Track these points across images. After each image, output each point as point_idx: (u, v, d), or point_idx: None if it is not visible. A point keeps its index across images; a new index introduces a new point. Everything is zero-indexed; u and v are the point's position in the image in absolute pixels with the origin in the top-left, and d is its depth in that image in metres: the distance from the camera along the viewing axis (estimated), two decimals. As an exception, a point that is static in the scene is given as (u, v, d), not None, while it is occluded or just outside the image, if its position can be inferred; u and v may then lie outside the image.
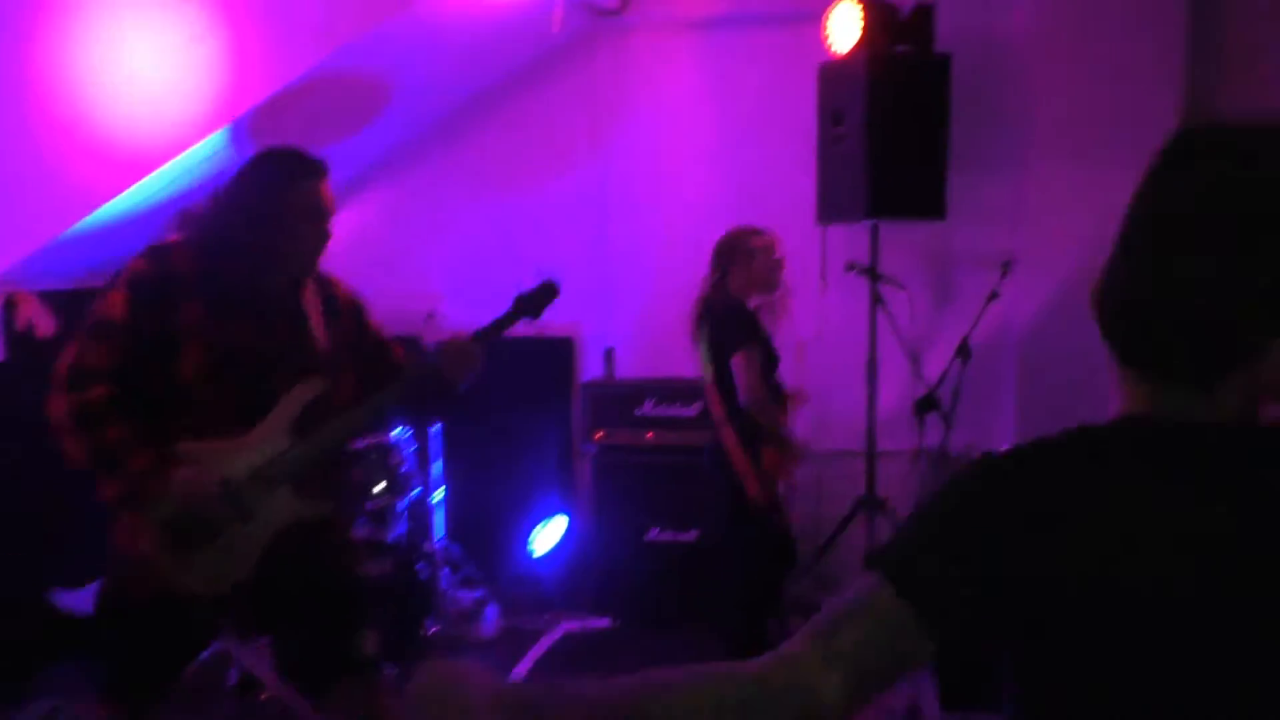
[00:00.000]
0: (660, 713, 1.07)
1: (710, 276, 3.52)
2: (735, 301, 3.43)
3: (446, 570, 4.45)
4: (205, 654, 3.49)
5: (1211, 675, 1.00)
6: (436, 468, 4.47)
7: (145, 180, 3.96)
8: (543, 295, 2.80)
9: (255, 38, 3.79)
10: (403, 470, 4.28)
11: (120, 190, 3.93)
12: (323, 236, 2.56)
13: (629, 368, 4.94)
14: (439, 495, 4.46)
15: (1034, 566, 1.02)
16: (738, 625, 3.41)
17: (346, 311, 2.65)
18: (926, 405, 3.40)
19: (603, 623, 4.57)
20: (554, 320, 5.02)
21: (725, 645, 3.46)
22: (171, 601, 2.33)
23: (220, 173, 4.28)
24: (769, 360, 3.42)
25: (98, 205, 3.89)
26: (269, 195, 2.48)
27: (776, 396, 3.44)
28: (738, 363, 3.32)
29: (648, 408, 4.60)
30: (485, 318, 5.17)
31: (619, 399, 4.64)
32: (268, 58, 3.86)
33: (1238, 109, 4.02)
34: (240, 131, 4.02)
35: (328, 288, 2.63)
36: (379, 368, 2.63)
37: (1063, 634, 1.02)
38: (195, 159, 4.04)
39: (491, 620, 4.47)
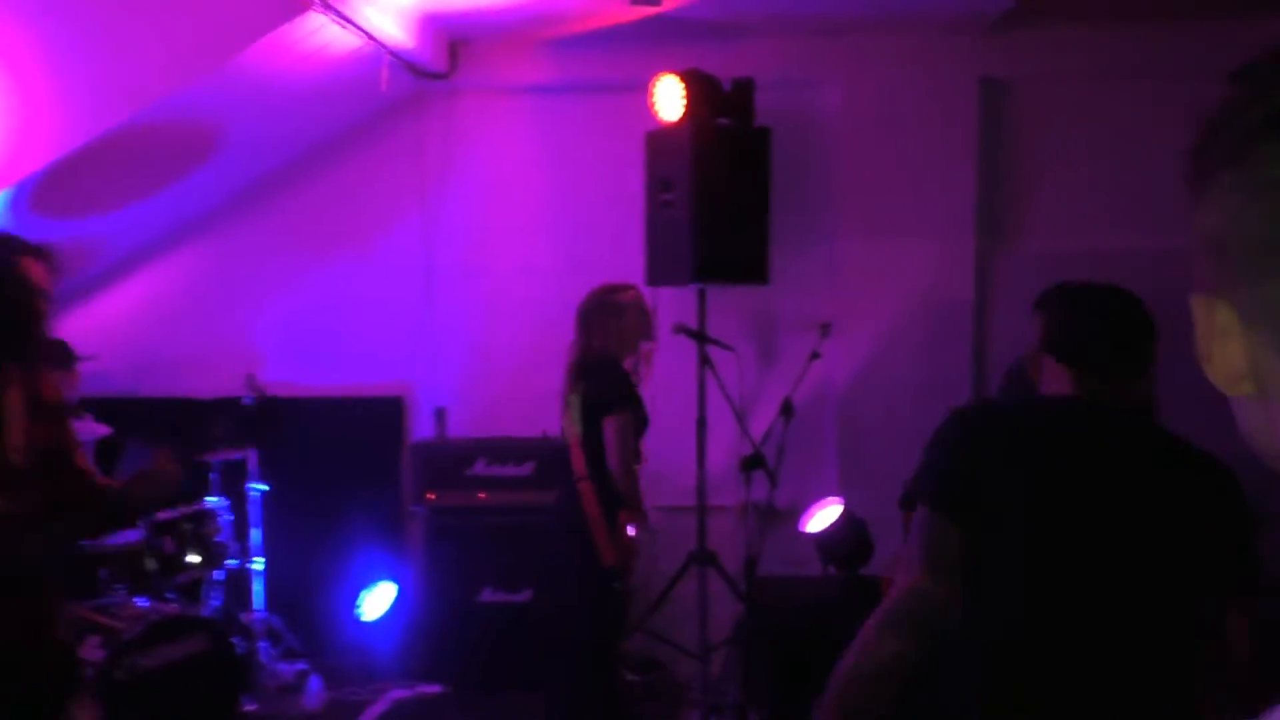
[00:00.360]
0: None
1: (579, 337, 3.47)
2: (612, 361, 3.41)
3: (266, 643, 4.24)
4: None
5: (1093, 564, 1.63)
6: (255, 535, 4.28)
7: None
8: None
9: (45, 95, 3.58)
10: (218, 539, 4.08)
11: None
12: (37, 315, 2.34)
13: (460, 427, 4.89)
14: (259, 564, 4.26)
15: (998, 487, 1.68)
16: (583, 684, 3.38)
17: (47, 413, 2.35)
18: (753, 463, 3.52)
19: (434, 689, 4.45)
20: (382, 379, 4.98)
21: (565, 704, 3.42)
22: None
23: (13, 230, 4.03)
24: (639, 424, 3.42)
25: None
26: None
27: (637, 457, 3.46)
28: (611, 426, 3.30)
29: (479, 468, 4.56)
30: (308, 378, 5.05)
31: (450, 459, 4.58)
32: (61, 116, 3.66)
33: (1024, 189, 4.41)
34: (20, 195, 3.79)
35: (34, 384, 2.34)
36: (66, 478, 2.38)
37: (1010, 531, 1.66)
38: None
39: (315, 693, 4.28)
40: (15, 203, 3.81)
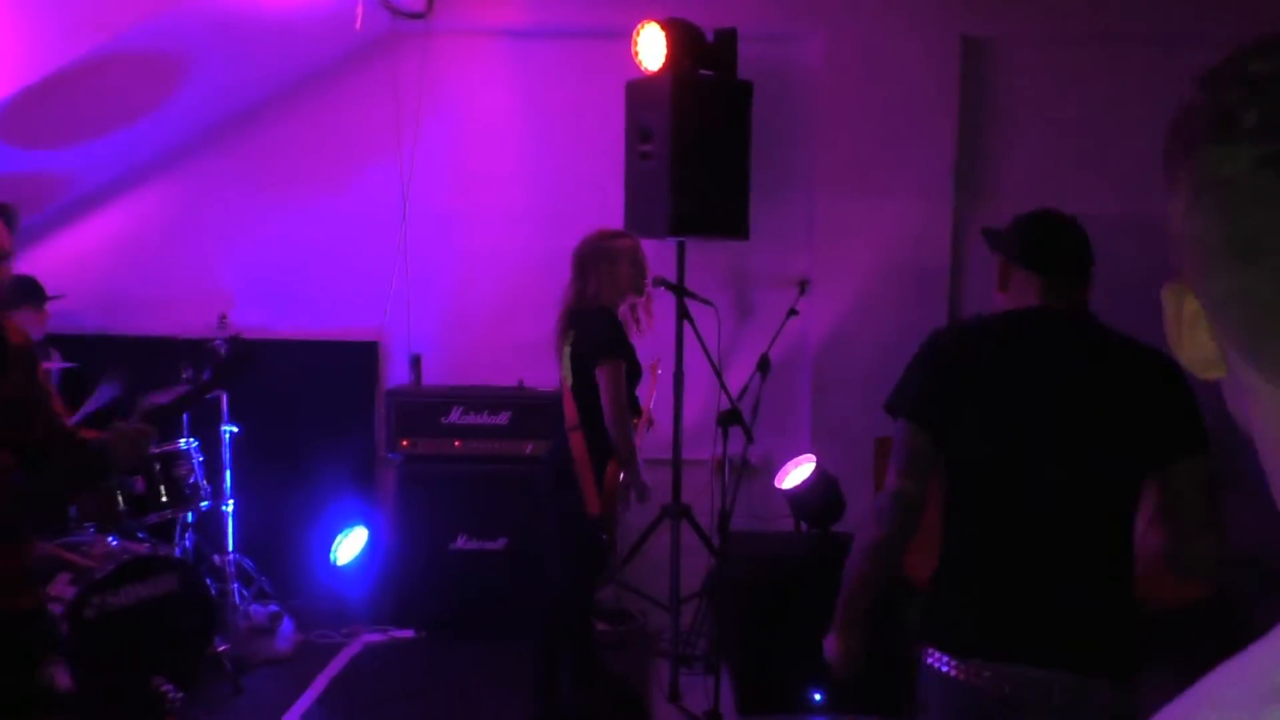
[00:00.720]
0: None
1: (572, 284, 3.40)
2: (605, 310, 3.35)
3: (238, 585, 4.25)
4: None
5: (1058, 435, 1.94)
6: (227, 478, 4.27)
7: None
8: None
9: (12, 22, 3.49)
10: (190, 481, 4.07)
11: None
12: None
13: (437, 375, 4.88)
14: (230, 507, 4.26)
15: (970, 389, 1.99)
16: (558, 632, 3.40)
17: (16, 361, 2.29)
18: (730, 418, 3.53)
19: (406, 633, 4.49)
20: (357, 324, 4.95)
21: (537, 651, 3.44)
22: None
23: None
24: (632, 373, 3.38)
25: None
26: None
27: (634, 410, 3.43)
28: (604, 376, 3.25)
29: (455, 416, 4.56)
30: (281, 321, 5.00)
31: (426, 407, 4.57)
32: (28, 43, 3.57)
33: (1003, 150, 4.40)
34: None
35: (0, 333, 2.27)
36: (38, 430, 2.33)
37: (977, 427, 1.98)
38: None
39: (287, 635, 4.30)
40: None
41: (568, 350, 3.37)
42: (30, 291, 4.00)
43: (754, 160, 4.23)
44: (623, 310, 3.43)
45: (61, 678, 2.38)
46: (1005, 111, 4.84)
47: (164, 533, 4.18)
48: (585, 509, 3.25)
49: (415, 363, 4.80)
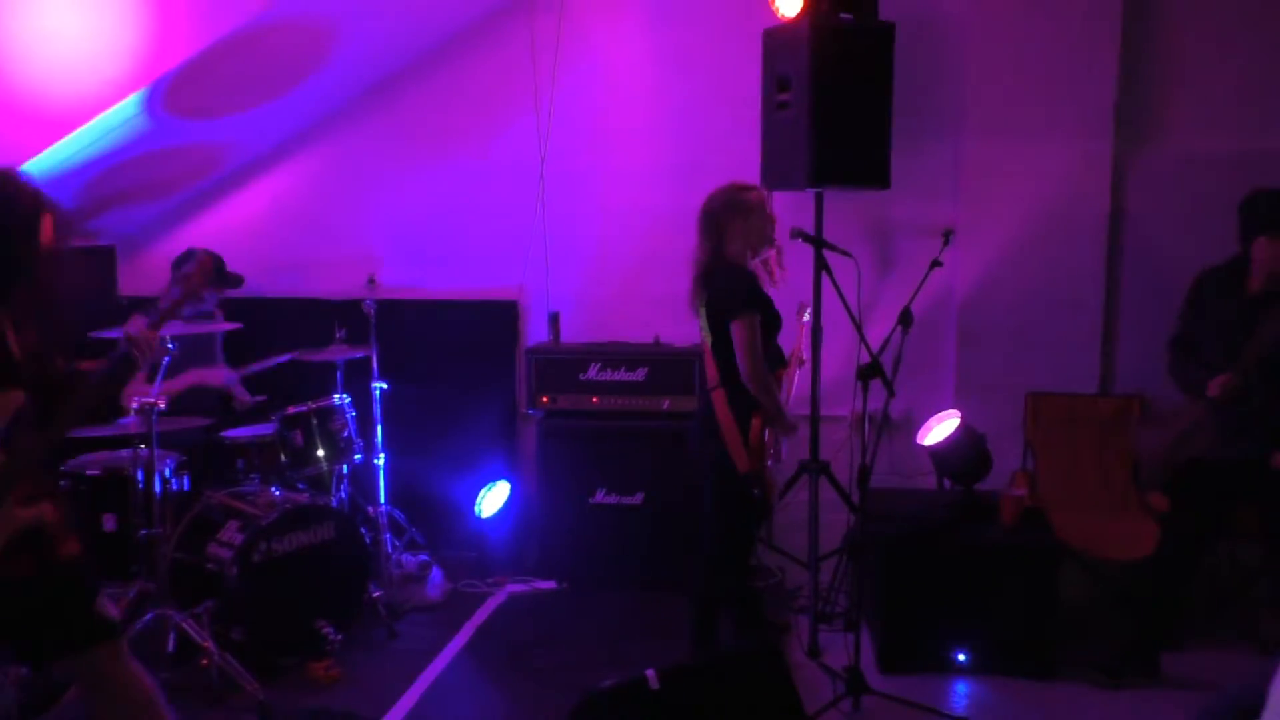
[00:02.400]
0: None
1: (704, 241, 3.36)
2: (735, 265, 3.31)
3: (389, 535, 4.43)
4: (144, 620, 3.47)
5: None
6: (378, 433, 4.44)
7: (61, 143, 3.83)
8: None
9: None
10: (344, 435, 4.25)
11: (34, 154, 3.81)
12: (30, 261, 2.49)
13: (574, 332, 4.94)
14: (381, 460, 4.43)
15: None
16: (715, 587, 3.42)
17: (31, 321, 2.57)
18: (870, 372, 3.43)
19: (548, 585, 4.61)
20: (497, 283, 5.05)
21: (696, 605, 3.47)
22: None
23: (138, 137, 4.18)
24: (770, 324, 3.32)
25: (20, 164, 3.77)
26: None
27: (776, 360, 3.38)
28: (738, 331, 3.22)
29: (593, 373, 4.61)
30: (426, 281, 5.16)
31: (564, 364, 4.64)
32: (194, 14, 3.74)
33: (1168, 87, 4.14)
34: (155, 95, 3.91)
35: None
36: (56, 370, 2.61)
37: None
38: (111, 123, 3.92)
39: (437, 583, 4.47)
40: (150, 102, 3.94)
41: (704, 310, 3.35)
42: (221, 275, 4.28)
43: (895, 105, 4.08)
44: (755, 264, 3.38)
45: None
46: (1171, 45, 4.50)
47: (321, 484, 4.39)
48: (734, 466, 3.24)
49: (554, 320, 4.87)
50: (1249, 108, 4.46)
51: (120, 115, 3.89)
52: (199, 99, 4.16)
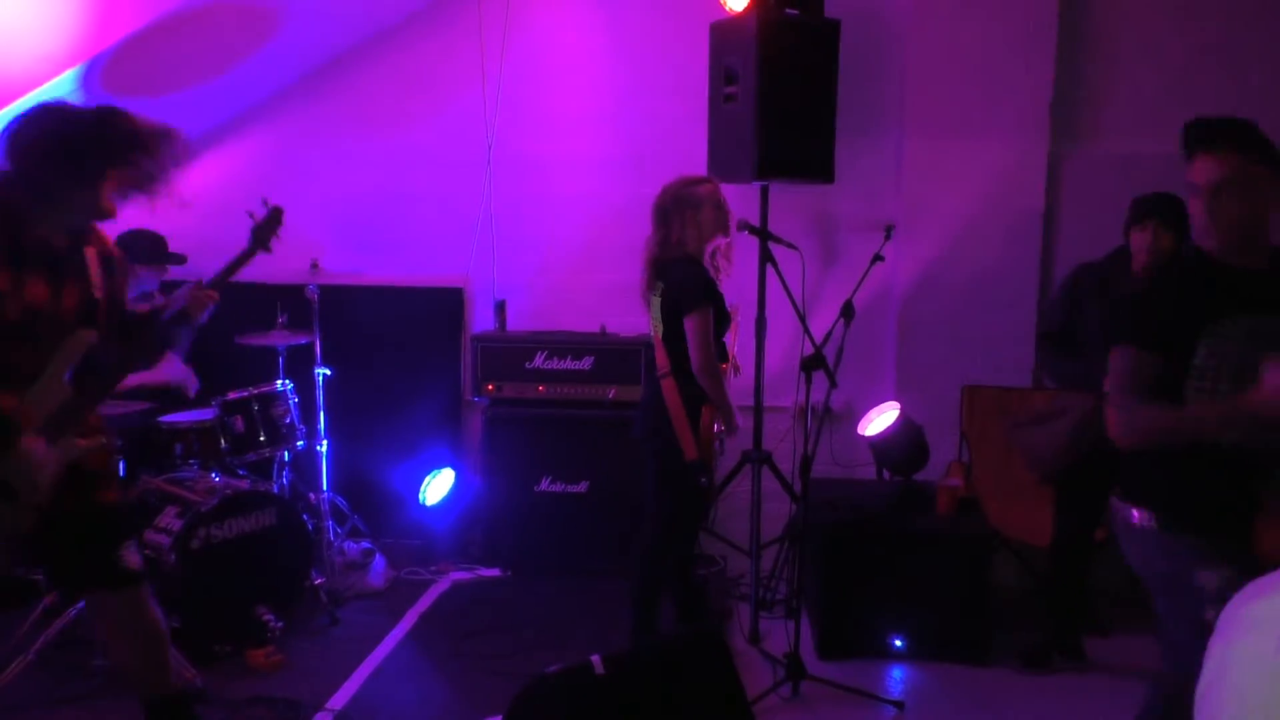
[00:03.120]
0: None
1: (656, 232, 3.40)
2: (690, 258, 3.35)
3: (331, 522, 4.40)
4: (78, 606, 3.41)
5: None
6: (321, 419, 4.40)
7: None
8: (272, 222, 3.08)
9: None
10: (286, 421, 4.21)
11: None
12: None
13: (520, 321, 4.94)
14: (324, 447, 4.40)
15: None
16: (657, 575, 3.46)
17: (119, 268, 2.80)
18: (813, 363, 3.50)
19: (492, 572, 4.61)
20: (443, 270, 5.03)
21: (636, 593, 3.50)
22: None
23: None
24: (720, 320, 3.38)
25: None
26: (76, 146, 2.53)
27: (721, 356, 3.43)
28: (692, 324, 3.27)
29: (539, 361, 4.62)
30: (370, 267, 5.10)
31: (510, 352, 4.64)
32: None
33: (1103, 88, 4.24)
34: (92, 72, 3.82)
35: (102, 242, 2.76)
36: (126, 316, 2.84)
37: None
38: (53, 96, 3.82)
39: (379, 571, 4.46)
40: (87, 79, 3.84)
41: (657, 300, 3.38)
42: (155, 253, 4.19)
43: (840, 101, 4.15)
44: (705, 256, 3.42)
45: (134, 558, 2.83)
46: (1106, 46, 4.63)
47: (262, 470, 4.35)
48: (682, 454, 3.28)
49: (500, 308, 4.87)
50: (1178, 110, 4.55)
51: (56, 91, 3.79)
52: (137, 77, 4.07)
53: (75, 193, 2.53)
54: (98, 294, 2.67)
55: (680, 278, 3.33)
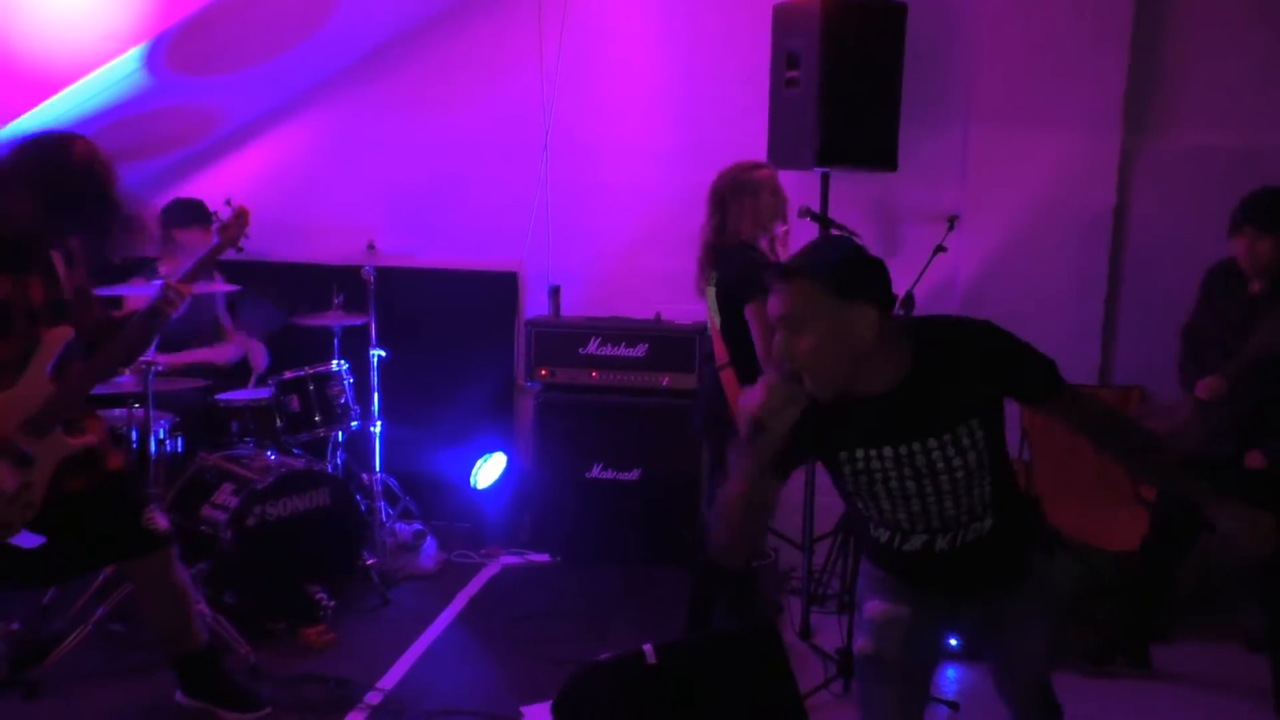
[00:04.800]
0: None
1: (711, 219, 3.34)
2: (745, 245, 3.29)
3: (384, 503, 4.42)
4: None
5: None
6: (375, 400, 4.42)
7: (52, 100, 3.77)
8: (239, 222, 3.06)
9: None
10: (341, 401, 4.23)
11: (25, 110, 3.74)
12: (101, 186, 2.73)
13: (574, 307, 4.92)
14: (378, 428, 4.41)
15: None
16: (713, 570, 3.42)
17: (80, 262, 2.84)
18: (872, 354, 3.43)
19: (542, 558, 4.61)
20: (498, 255, 5.02)
21: (695, 583, 3.47)
22: None
23: (137, 94, 4.12)
24: None
25: (4, 124, 3.71)
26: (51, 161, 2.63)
27: None
28: (752, 313, 3.19)
29: (593, 347, 4.59)
30: (425, 250, 5.12)
31: (564, 337, 4.62)
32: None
33: (1179, 78, 4.10)
34: (158, 50, 3.85)
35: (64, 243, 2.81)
36: (87, 309, 2.86)
37: None
38: (114, 76, 3.86)
39: (430, 553, 4.47)
40: (152, 58, 3.87)
41: (712, 291, 3.32)
42: (198, 213, 4.21)
43: (905, 88, 4.05)
44: (763, 243, 3.36)
45: (162, 521, 2.91)
46: (1183, 34, 4.47)
47: (317, 450, 4.38)
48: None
49: (554, 294, 4.85)
50: (1258, 101, 4.44)
51: (121, 70, 3.83)
52: (200, 57, 4.10)
53: (39, 229, 2.65)
54: (67, 293, 2.73)
55: (736, 266, 3.27)
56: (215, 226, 3.06)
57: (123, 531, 2.85)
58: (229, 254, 4.42)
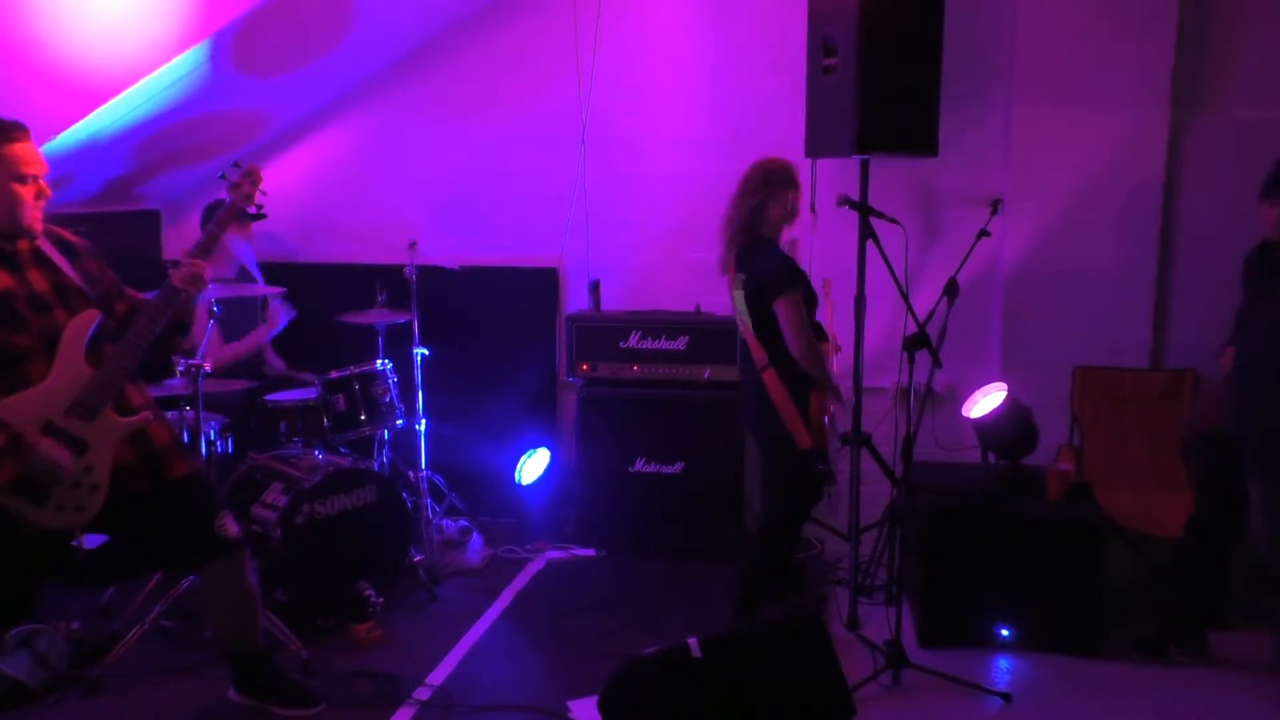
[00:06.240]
0: None
1: (740, 209, 3.32)
2: (769, 242, 3.29)
3: (430, 500, 4.46)
4: (188, 580, 3.51)
5: None
6: (419, 398, 4.45)
7: (107, 106, 3.83)
8: (249, 180, 3.03)
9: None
10: (386, 400, 4.27)
11: (79, 117, 3.81)
12: (38, 194, 2.70)
13: (614, 300, 4.92)
14: (422, 426, 4.45)
15: None
16: (766, 559, 3.42)
17: (84, 252, 2.86)
18: (917, 342, 3.38)
19: (588, 552, 4.62)
20: (538, 251, 5.04)
21: (745, 575, 3.47)
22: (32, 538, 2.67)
23: (198, 93, 4.18)
24: (810, 299, 3.31)
25: (55, 134, 3.78)
26: None
27: (819, 335, 3.36)
28: (784, 309, 3.20)
29: (633, 341, 4.59)
30: (466, 248, 5.14)
31: (605, 331, 4.62)
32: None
33: (1229, 53, 4.00)
34: (221, 46, 3.90)
35: (55, 235, 2.82)
36: (118, 302, 2.90)
37: None
38: (165, 81, 3.92)
39: (476, 549, 4.50)
40: (216, 54, 3.92)
41: (740, 294, 3.30)
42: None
43: (944, 70, 3.98)
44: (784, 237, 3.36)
45: (233, 527, 2.95)
46: (1233, 6, 4.36)
47: (363, 448, 4.42)
48: (796, 444, 3.21)
49: (594, 288, 4.85)
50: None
51: (177, 72, 3.87)
52: (249, 59, 4.15)
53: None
54: (74, 280, 2.73)
55: (763, 264, 3.25)
56: (226, 186, 3.04)
57: (194, 537, 2.91)
58: (272, 254, 4.55)
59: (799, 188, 3.37)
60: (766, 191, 3.29)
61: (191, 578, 3.53)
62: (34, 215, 2.68)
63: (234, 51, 4.00)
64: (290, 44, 4.31)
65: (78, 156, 4.10)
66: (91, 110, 3.82)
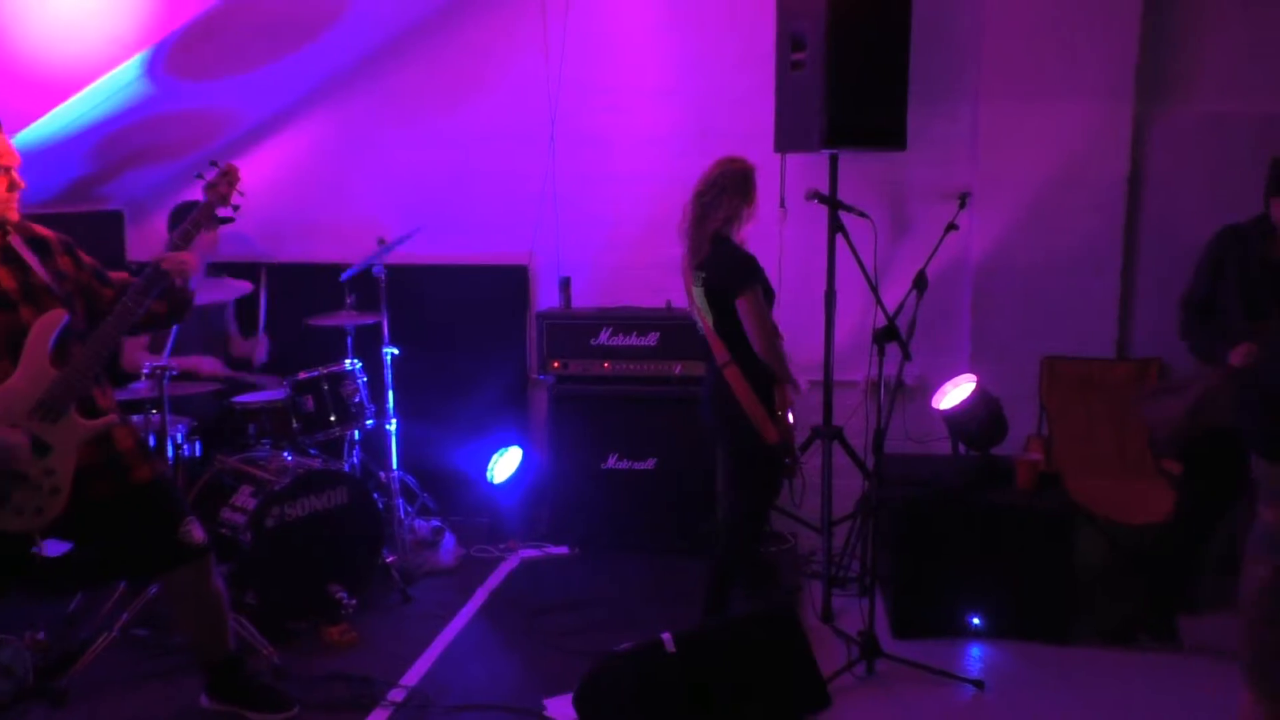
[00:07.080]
0: None
1: (700, 208, 3.30)
2: (726, 240, 3.29)
3: (401, 501, 4.43)
4: (155, 585, 3.47)
5: None
6: (389, 398, 4.42)
7: (65, 105, 3.77)
8: (226, 179, 3.01)
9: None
10: (355, 400, 4.24)
11: (35, 117, 3.75)
12: (10, 185, 2.69)
13: (585, 298, 4.91)
14: (393, 426, 4.42)
15: None
16: (734, 554, 3.42)
17: (58, 248, 2.81)
18: (887, 335, 3.39)
19: (561, 550, 4.61)
20: (508, 248, 5.02)
21: (713, 571, 3.47)
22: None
23: (142, 101, 4.12)
24: (768, 296, 3.30)
25: (15, 131, 3.71)
26: None
27: (775, 333, 3.39)
28: (745, 306, 3.20)
29: (604, 337, 4.58)
30: (434, 247, 5.10)
31: (575, 329, 4.61)
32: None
33: (1193, 46, 4.05)
34: (158, 57, 3.84)
35: (28, 231, 2.78)
36: (104, 289, 2.87)
37: None
38: (113, 87, 3.86)
39: (449, 549, 4.48)
40: (153, 65, 3.88)
41: (700, 291, 3.30)
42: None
43: (912, 66, 4.01)
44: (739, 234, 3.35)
45: (199, 533, 2.91)
46: (1194, 3, 4.41)
47: (333, 450, 4.39)
48: (762, 439, 3.22)
49: (564, 285, 4.84)
50: (1274, 67, 4.37)
51: (122, 79, 3.83)
52: (204, 60, 4.10)
53: None
54: (43, 278, 2.69)
55: (722, 261, 3.26)
56: (202, 185, 3.01)
57: (158, 543, 2.86)
58: (240, 255, 4.50)
59: (752, 201, 3.32)
60: (719, 193, 3.29)
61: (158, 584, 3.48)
62: (7, 206, 2.67)
63: (174, 62, 3.93)
64: (250, 45, 4.26)
65: (33, 159, 4.03)
66: (52, 107, 3.76)
